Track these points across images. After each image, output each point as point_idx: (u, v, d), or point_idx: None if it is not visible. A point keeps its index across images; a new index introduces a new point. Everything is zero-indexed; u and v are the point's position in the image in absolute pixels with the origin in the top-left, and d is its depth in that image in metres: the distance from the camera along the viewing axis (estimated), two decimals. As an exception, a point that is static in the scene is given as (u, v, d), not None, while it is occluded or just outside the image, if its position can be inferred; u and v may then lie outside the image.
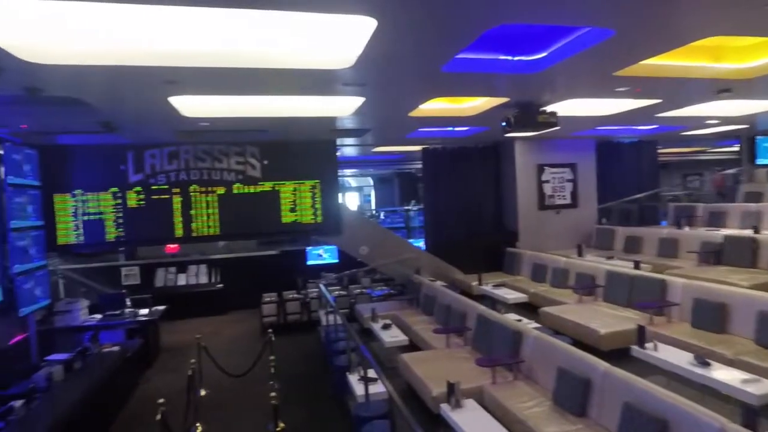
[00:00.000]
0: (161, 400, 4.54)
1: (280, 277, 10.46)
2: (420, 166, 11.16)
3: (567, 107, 6.74)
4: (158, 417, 4.43)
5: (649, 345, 4.99)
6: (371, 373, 4.97)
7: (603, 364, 4.31)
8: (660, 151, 12.56)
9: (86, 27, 3.54)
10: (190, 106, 5.73)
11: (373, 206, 18.98)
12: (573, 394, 4.35)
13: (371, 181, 19.41)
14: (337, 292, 9.75)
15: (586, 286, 7.54)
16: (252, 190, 8.42)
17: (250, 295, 10.26)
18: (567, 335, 6.12)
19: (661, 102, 6.99)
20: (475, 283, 8.88)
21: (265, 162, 8.44)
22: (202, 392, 6.54)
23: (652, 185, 11.97)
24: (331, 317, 7.58)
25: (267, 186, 8.48)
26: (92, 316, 8.10)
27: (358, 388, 5.14)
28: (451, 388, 4.43)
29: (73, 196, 7.80)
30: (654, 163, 12.22)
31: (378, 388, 4.87)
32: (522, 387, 4.93)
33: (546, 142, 10.08)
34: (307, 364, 7.79)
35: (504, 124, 6.62)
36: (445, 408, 4.43)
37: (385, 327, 7.12)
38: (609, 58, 4.63)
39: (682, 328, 5.74)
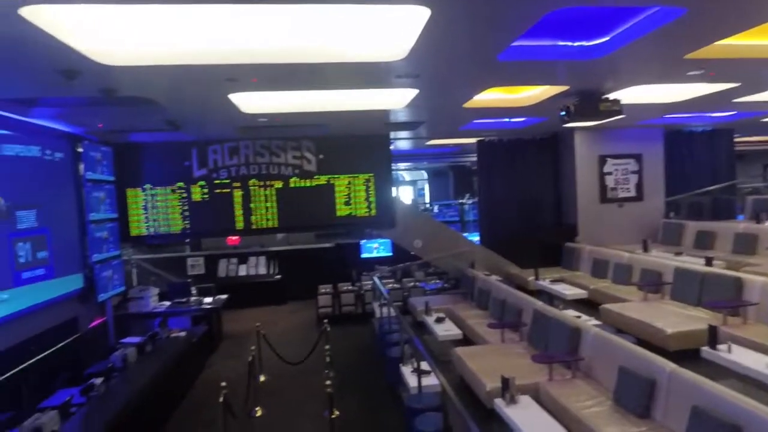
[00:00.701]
0: (223, 384, 4.79)
1: (335, 269, 10.70)
2: (475, 158, 10.98)
3: (632, 94, 6.39)
4: (221, 399, 4.67)
5: (721, 347, 4.68)
6: (424, 366, 4.98)
7: (669, 365, 4.08)
8: (737, 139, 11.64)
9: (154, 30, 3.75)
10: (248, 102, 5.93)
11: (427, 200, 18.89)
12: (636, 395, 4.16)
13: (425, 175, 19.31)
14: (390, 285, 9.82)
15: (652, 283, 7.15)
16: (308, 184, 8.63)
17: (306, 286, 10.55)
18: (630, 334, 5.83)
19: (739, 86, 6.47)
20: (531, 278, 8.66)
21: (321, 156, 8.63)
22: (262, 378, 6.82)
23: (727, 177, 11.11)
24: (384, 309, 7.65)
25: (322, 180, 8.67)
26: (161, 303, 8.63)
27: (411, 380, 5.16)
28: (506, 383, 4.36)
29: (143, 190, 8.32)
30: (730, 153, 11.33)
31: (431, 381, 4.88)
32: (581, 385, 4.77)
33: (608, 131, 9.61)
34: (361, 354, 7.91)
35: (563, 113, 6.37)
36: (499, 403, 4.37)
37: (439, 320, 7.09)
38: (679, 39, 4.33)
39: (761, 330, 5.32)
